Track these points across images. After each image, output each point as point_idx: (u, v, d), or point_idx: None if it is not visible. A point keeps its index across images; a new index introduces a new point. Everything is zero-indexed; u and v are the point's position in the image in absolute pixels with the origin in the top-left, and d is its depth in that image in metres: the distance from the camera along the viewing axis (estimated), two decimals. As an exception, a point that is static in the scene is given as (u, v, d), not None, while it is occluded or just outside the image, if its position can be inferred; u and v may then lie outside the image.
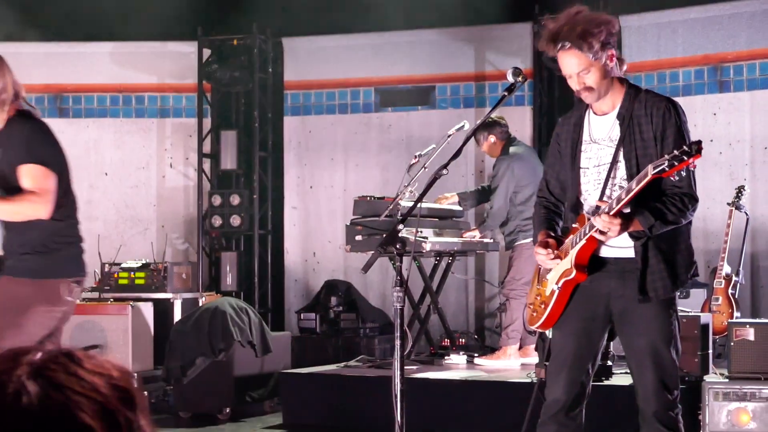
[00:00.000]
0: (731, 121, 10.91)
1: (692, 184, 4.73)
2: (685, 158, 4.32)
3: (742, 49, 10.93)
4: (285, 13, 12.37)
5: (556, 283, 4.84)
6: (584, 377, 4.87)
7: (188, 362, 9.10)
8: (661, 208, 4.63)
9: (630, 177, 4.66)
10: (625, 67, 4.85)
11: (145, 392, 9.14)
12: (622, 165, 4.72)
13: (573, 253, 4.76)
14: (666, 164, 4.35)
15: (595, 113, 4.84)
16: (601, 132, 4.81)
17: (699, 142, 4.35)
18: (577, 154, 4.84)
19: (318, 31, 12.46)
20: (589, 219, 4.68)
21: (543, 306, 4.92)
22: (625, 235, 4.66)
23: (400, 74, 12.31)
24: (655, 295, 4.70)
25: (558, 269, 4.84)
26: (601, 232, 4.59)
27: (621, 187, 4.69)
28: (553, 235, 4.93)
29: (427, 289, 9.96)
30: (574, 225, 4.82)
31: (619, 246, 4.75)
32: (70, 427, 1.40)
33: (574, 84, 4.75)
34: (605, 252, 4.80)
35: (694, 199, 4.74)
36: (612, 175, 4.74)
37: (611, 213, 4.54)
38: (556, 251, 4.84)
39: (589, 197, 4.82)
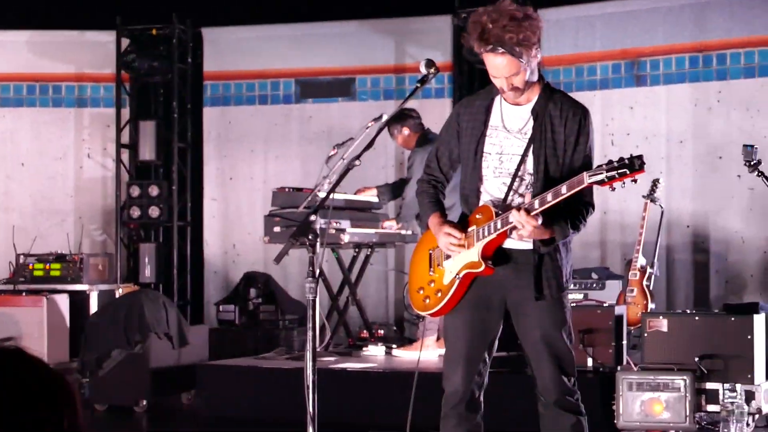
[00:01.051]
0: (647, 115, 11.03)
1: (593, 192, 4.77)
2: (628, 172, 4.33)
3: (659, 44, 11.05)
4: (204, 3, 12.30)
5: (458, 274, 4.82)
6: (481, 366, 4.87)
7: (104, 354, 9.02)
8: (576, 221, 4.66)
9: (536, 173, 4.67)
10: (539, 59, 4.84)
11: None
12: (529, 160, 4.72)
13: (480, 246, 4.73)
14: (605, 176, 4.36)
15: (506, 101, 4.83)
16: (512, 123, 4.79)
17: (641, 157, 4.35)
18: (481, 138, 4.81)
19: (238, 21, 12.39)
20: (498, 213, 4.68)
21: (439, 294, 4.88)
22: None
23: (320, 66, 12.29)
24: (549, 292, 4.73)
25: (460, 259, 4.80)
26: (514, 228, 4.59)
27: (522, 180, 4.70)
28: (451, 221, 4.90)
29: (345, 280, 9.96)
30: (478, 216, 4.78)
31: (516, 238, 4.76)
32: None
33: (500, 83, 4.70)
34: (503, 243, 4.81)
35: (593, 209, 4.78)
36: (521, 170, 4.73)
37: (531, 213, 4.54)
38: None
39: (487, 184, 4.80)
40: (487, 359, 4.90)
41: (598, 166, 4.42)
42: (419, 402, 5.06)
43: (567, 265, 4.84)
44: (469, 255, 4.77)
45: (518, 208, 4.54)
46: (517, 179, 4.72)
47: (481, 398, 4.92)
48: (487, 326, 4.86)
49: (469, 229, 4.79)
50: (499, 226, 4.66)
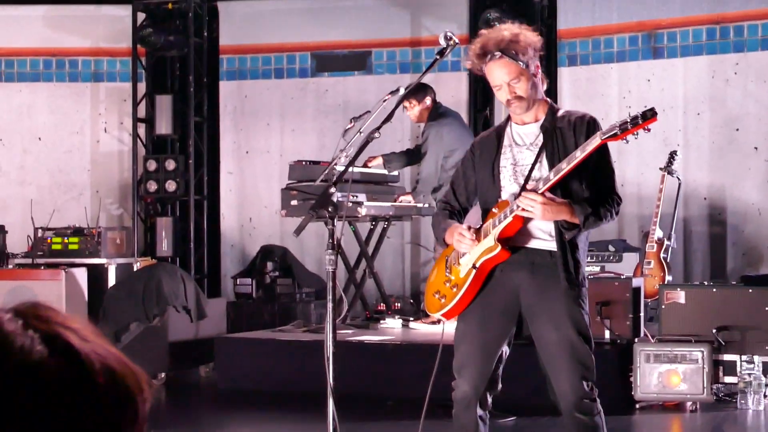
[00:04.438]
0: (665, 88, 10.99)
1: (616, 185, 4.78)
2: (640, 121, 4.35)
3: (677, 16, 11.00)
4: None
5: (474, 263, 4.79)
6: (494, 368, 4.84)
7: (122, 327, 9.06)
8: (597, 206, 4.64)
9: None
10: (545, 85, 4.89)
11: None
12: (543, 165, 4.73)
13: (496, 232, 4.73)
14: (618, 129, 4.39)
15: (516, 123, 4.87)
16: (523, 139, 4.83)
17: (652, 109, 4.39)
18: (496, 158, 4.84)
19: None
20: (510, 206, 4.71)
21: (455, 289, 4.82)
22: (541, 226, 4.70)
23: (336, 39, 12.28)
24: (566, 290, 4.67)
25: (476, 250, 4.79)
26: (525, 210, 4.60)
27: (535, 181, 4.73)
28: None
29: (362, 253, 9.98)
30: (494, 210, 4.78)
31: (535, 237, 4.76)
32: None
33: (503, 94, 4.74)
34: (519, 240, 4.77)
35: (620, 201, 4.76)
36: (532, 172, 4.74)
37: (540, 191, 4.57)
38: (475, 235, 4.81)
39: (504, 192, 4.81)
40: (500, 361, 4.86)
41: (612, 125, 4.46)
42: (437, 373, 5.06)
43: (583, 263, 4.80)
44: (485, 243, 4.76)
45: (524, 192, 4.58)
46: (531, 182, 4.72)
47: (490, 399, 4.91)
48: (500, 329, 4.81)
49: (485, 223, 4.79)
50: (513, 209, 4.66)
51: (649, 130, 4.43)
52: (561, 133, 4.74)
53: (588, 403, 4.71)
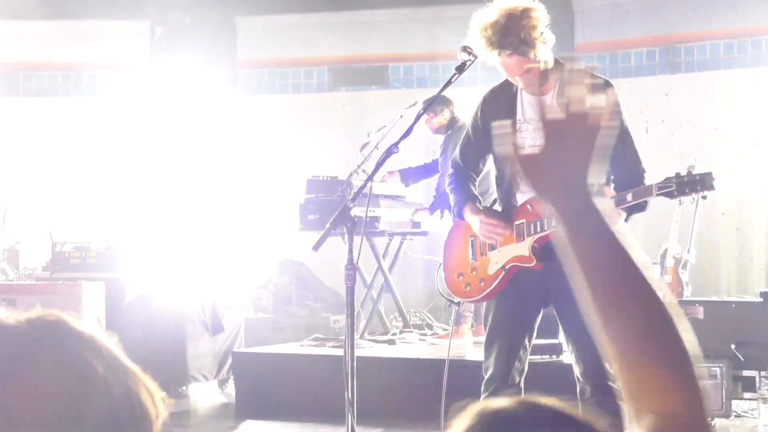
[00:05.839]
0: (682, 102, 10.98)
1: (640, 159, 4.79)
2: (699, 189, 4.34)
3: (694, 31, 10.99)
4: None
5: (504, 265, 4.81)
6: (521, 353, 4.88)
7: (140, 342, 9.05)
8: (629, 203, 4.67)
9: None
10: (553, 41, 4.82)
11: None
12: None
13: (531, 241, 4.74)
14: (674, 189, 4.38)
15: (528, 93, 4.84)
16: (534, 113, 4.81)
17: (710, 174, 4.37)
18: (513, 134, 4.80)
19: (271, 10, 12.40)
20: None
21: (482, 283, 4.89)
22: None
23: (353, 53, 12.30)
24: None
25: (508, 250, 4.81)
26: None
27: None
28: (489, 209, 4.91)
29: (379, 268, 9.97)
30: (528, 208, 4.76)
31: None
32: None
33: (514, 79, 4.76)
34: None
35: (645, 172, 4.82)
36: None
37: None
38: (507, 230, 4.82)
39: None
40: (528, 345, 4.91)
41: (667, 178, 4.43)
42: (454, 389, 5.07)
43: None
44: (519, 248, 4.77)
45: None
46: None
47: (522, 384, 4.93)
48: (527, 313, 4.87)
49: (518, 222, 4.79)
50: (554, 223, 4.65)
51: (705, 197, 4.43)
52: None
53: (612, 387, 4.75)
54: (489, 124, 4.90)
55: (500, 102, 4.93)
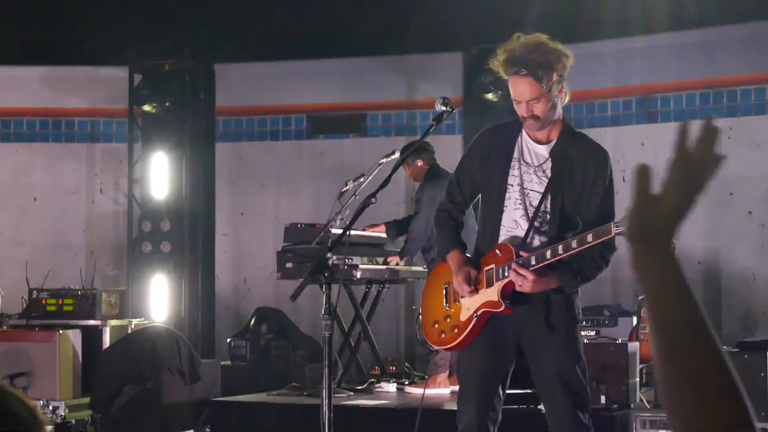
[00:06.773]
0: (659, 152, 11.03)
1: (614, 212, 4.79)
2: None
3: (670, 81, 11.08)
4: (217, 39, 12.35)
5: (476, 311, 4.84)
6: (495, 402, 4.88)
7: (116, 390, 9.00)
8: (586, 271, 4.72)
9: (553, 212, 4.72)
10: (567, 99, 4.88)
11: (73, 420, 9.06)
12: (548, 199, 4.76)
13: (500, 286, 4.77)
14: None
15: (529, 137, 4.87)
16: (532, 158, 4.84)
17: None
18: (507, 170, 4.84)
19: (250, 57, 12.45)
20: (518, 254, 4.70)
21: (456, 330, 4.91)
22: None
23: (331, 101, 12.34)
24: (563, 325, 4.75)
25: (479, 296, 4.84)
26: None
27: (543, 219, 4.74)
28: (469, 257, 4.93)
29: (357, 316, 9.96)
30: (498, 253, 4.80)
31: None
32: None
33: (521, 110, 4.77)
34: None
35: (614, 250, 4.76)
36: (542, 208, 4.76)
37: (530, 268, 4.61)
38: (475, 280, 4.84)
39: (506, 214, 4.82)
40: (501, 395, 4.91)
41: (624, 216, 4.44)
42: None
43: (578, 298, 4.86)
44: (488, 294, 4.79)
45: (516, 265, 4.60)
46: (539, 218, 4.75)
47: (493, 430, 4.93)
48: (501, 363, 4.88)
49: (487, 268, 4.81)
50: (508, 270, 4.71)
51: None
52: (570, 168, 4.74)
53: None
54: (487, 158, 4.94)
55: (502, 138, 4.96)
